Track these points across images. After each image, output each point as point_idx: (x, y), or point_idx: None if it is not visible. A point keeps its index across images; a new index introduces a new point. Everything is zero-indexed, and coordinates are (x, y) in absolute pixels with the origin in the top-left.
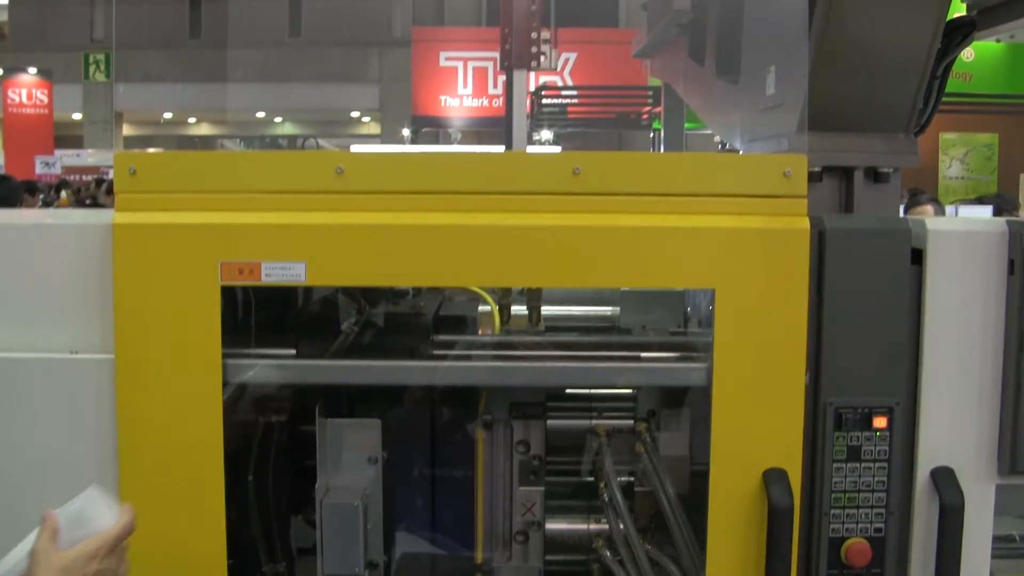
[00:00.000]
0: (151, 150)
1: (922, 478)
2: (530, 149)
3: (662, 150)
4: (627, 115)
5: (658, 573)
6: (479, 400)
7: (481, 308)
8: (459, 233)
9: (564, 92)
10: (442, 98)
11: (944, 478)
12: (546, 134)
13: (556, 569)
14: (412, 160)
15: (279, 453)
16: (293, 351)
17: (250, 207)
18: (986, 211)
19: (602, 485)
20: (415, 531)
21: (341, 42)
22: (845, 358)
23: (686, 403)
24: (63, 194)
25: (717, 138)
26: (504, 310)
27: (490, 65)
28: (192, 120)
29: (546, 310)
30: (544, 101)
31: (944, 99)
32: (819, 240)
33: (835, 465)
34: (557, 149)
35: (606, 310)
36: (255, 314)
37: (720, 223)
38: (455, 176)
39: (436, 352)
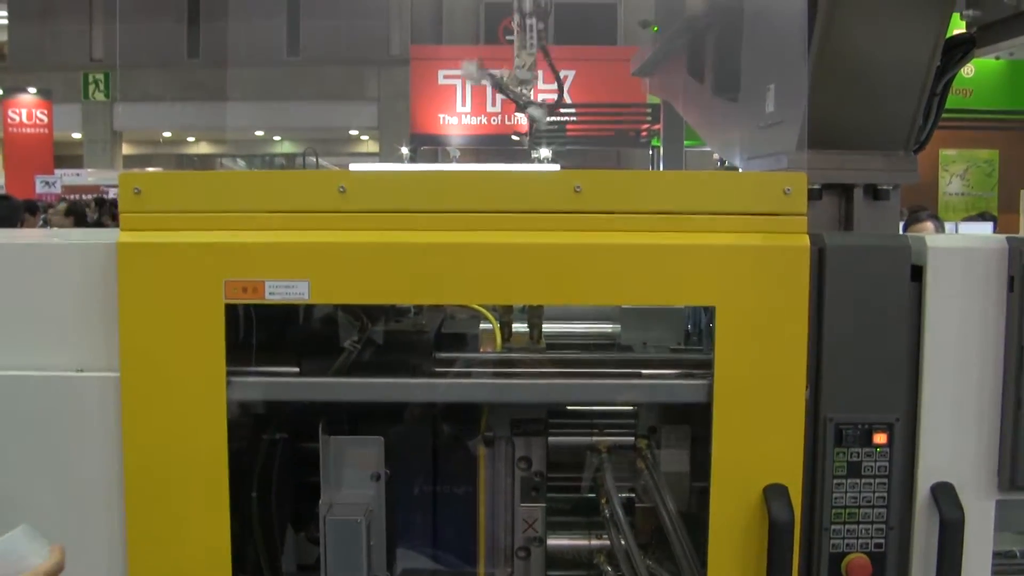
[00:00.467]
0: (151, 169)
1: (922, 493)
2: (529, 168)
3: (661, 167)
4: (626, 132)
5: None
6: (480, 417)
7: (482, 326)
8: (460, 251)
9: (563, 110)
10: (441, 116)
11: (944, 493)
12: (545, 152)
13: None
14: (414, 179)
15: (281, 470)
16: (296, 369)
17: (254, 226)
18: (986, 228)
19: (603, 501)
20: (417, 547)
21: (340, 61)
22: (845, 374)
23: (687, 420)
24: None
25: (716, 155)
26: (505, 327)
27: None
28: (191, 139)
29: (547, 327)
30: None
31: (944, 115)
32: (819, 257)
33: (835, 481)
34: (556, 167)
35: (607, 327)
36: (256, 333)
37: (720, 240)
38: (457, 195)
39: (438, 369)
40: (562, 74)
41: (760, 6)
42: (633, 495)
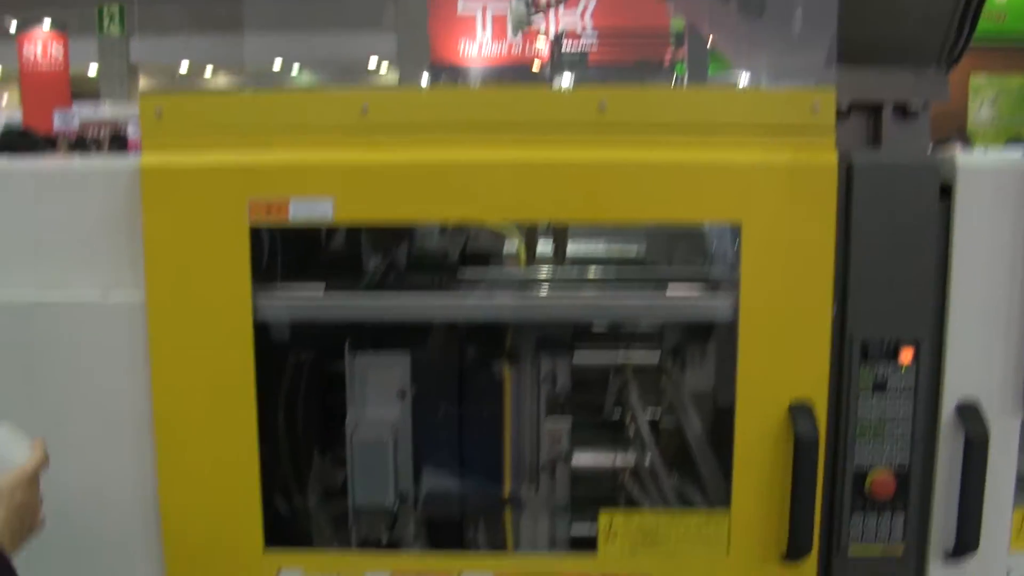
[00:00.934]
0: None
1: (947, 411)
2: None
3: None
4: (649, 60)
5: (683, 504)
6: (504, 335)
7: (507, 246)
8: (484, 169)
9: (584, 38)
10: (461, 44)
11: (969, 412)
12: (567, 80)
13: (582, 502)
14: (437, 96)
15: (307, 393)
16: (322, 287)
17: (277, 146)
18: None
19: (628, 419)
20: (442, 467)
21: None
22: (872, 292)
23: (711, 338)
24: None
25: (742, 84)
26: (529, 248)
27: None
28: (208, 72)
29: (572, 247)
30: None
31: (976, 40)
32: (847, 175)
33: (860, 398)
34: None
35: (632, 247)
36: (281, 258)
37: (747, 157)
38: (480, 113)
39: (463, 288)
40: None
41: None
42: (658, 414)
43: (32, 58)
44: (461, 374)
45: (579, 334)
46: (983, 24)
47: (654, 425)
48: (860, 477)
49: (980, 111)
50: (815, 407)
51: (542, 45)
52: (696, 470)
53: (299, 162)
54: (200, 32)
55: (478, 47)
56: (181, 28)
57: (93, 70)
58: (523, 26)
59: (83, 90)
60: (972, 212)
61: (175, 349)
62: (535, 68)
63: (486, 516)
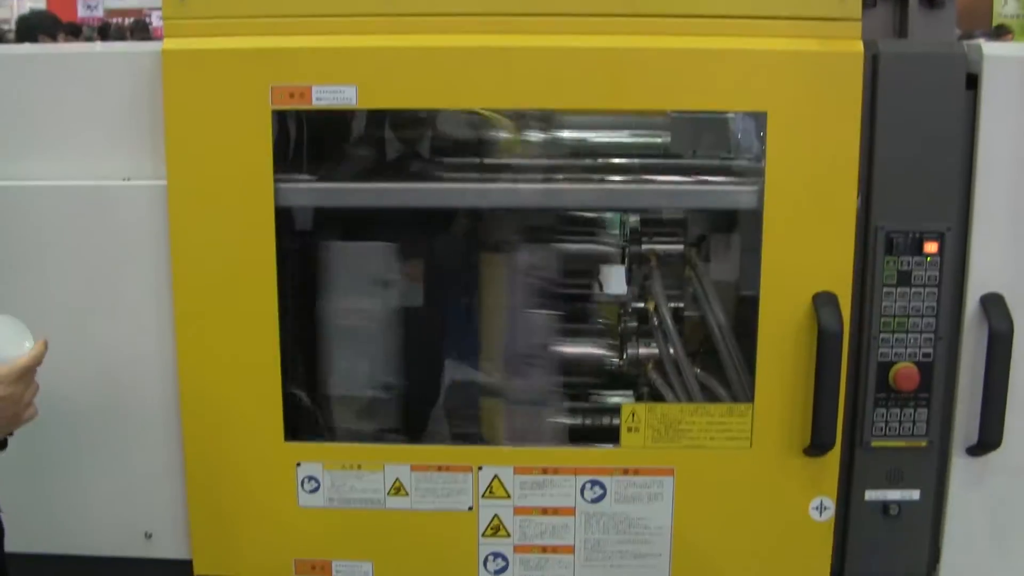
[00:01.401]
0: None
1: (972, 304)
2: None
3: None
4: None
5: (707, 397)
6: (490, 225)
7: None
8: (508, 55)
9: None
10: None
11: (994, 304)
12: None
13: (572, 391)
14: None
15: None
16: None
17: (300, 31)
18: None
19: (652, 310)
20: (430, 356)
21: None
22: (897, 183)
23: (735, 228)
24: None
25: None
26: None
27: None
28: None
29: (595, 136)
30: None
31: None
32: (873, 64)
33: (885, 289)
34: None
35: (656, 138)
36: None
37: (773, 45)
38: None
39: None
40: None
41: None
42: (682, 304)
43: None
44: (446, 263)
45: (568, 221)
46: None
47: (678, 314)
48: (884, 370)
49: (1006, 6)
50: (839, 297)
51: None
52: (720, 361)
53: (323, 46)
54: None
55: None
56: None
57: None
58: None
59: None
60: (999, 102)
61: (196, 233)
62: None
63: (466, 407)
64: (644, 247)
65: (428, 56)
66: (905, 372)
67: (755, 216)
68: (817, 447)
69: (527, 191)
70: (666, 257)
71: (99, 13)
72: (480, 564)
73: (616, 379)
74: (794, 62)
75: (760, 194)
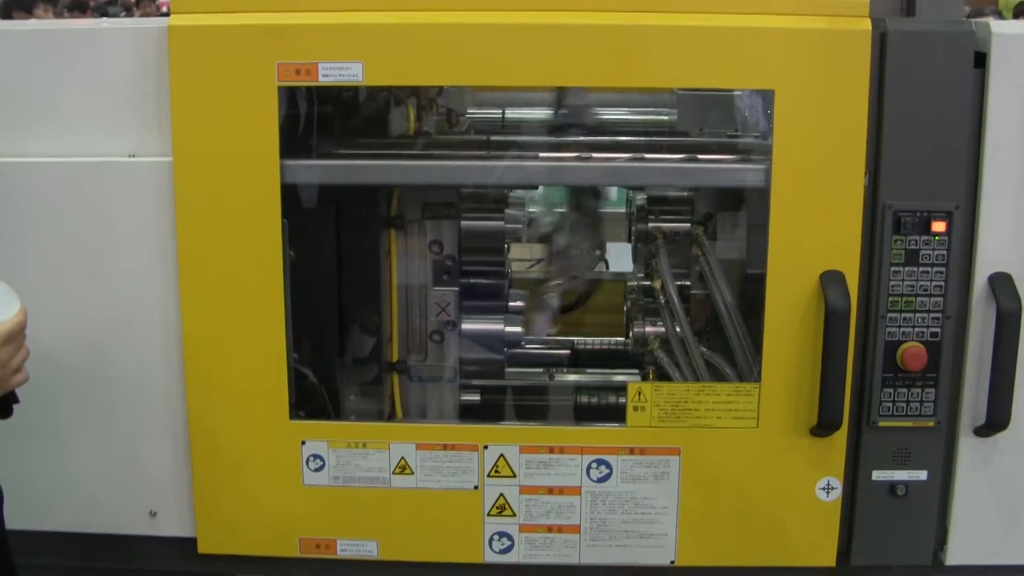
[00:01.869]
0: None
1: (980, 283)
2: None
3: None
4: None
5: (713, 376)
6: (391, 200)
7: None
8: (515, 32)
9: None
10: None
11: (1002, 284)
12: None
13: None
14: None
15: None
16: None
17: (307, 7)
18: None
19: (658, 288)
20: (335, 332)
21: None
22: (905, 161)
23: (743, 207)
24: None
25: None
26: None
27: None
28: None
29: (603, 113)
30: None
31: None
32: (880, 41)
33: (893, 268)
34: None
35: (663, 116)
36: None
37: (780, 23)
38: None
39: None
40: None
41: None
42: (688, 283)
43: None
44: (345, 238)
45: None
46: None
47: (684, 292)
48: (891, 350)
49: None
50: (847, 276)
51: None
52: (727, 339)
53: (330, 23)
54: None
55: None
56: None
57: None
58: None
59: None
60: (1007, 80)
61: (201, 209)
62: None
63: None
64: (651, 225)
65: (435, 32)
66: (913, 352)
67: (762, 194)
68: (824, 427)
69: (533, 168)
70: (673, 235)
71: None
72: (485, 543)
73: (622, 358)
74: (802, 40)
75: (767, 172)
